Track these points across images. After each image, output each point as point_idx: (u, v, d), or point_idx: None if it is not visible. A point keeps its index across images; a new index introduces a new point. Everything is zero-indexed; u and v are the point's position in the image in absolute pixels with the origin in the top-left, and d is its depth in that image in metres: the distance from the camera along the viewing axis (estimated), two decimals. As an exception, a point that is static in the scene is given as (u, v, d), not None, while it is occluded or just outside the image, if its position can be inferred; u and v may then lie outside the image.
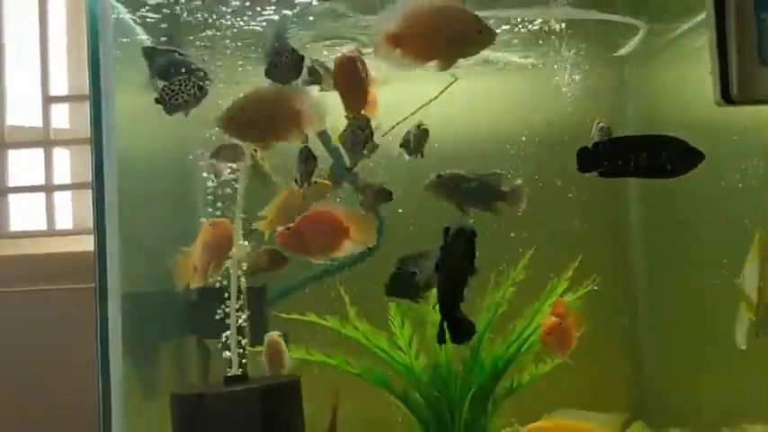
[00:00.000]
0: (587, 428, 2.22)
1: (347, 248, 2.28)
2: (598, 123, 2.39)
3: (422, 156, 2.39)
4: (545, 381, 2.69)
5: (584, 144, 2.43)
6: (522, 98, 3.13)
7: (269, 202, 2.45)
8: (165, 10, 2.53)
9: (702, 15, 2.12)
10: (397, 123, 2.44)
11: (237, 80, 2.59)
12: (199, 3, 2.49)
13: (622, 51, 3.06)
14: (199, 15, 2.52)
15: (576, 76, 2.97)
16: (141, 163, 2.66)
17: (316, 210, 2.27)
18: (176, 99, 2.17)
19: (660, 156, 2.00)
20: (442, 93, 2.47)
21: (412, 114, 2.52)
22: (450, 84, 2.51)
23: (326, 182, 2.44)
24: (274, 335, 2.55)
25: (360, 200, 2.59)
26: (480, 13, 2.58)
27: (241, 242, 2.53)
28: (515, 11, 2.71)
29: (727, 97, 2.05)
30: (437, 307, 1.90)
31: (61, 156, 3.71)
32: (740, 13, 2.03)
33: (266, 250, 2.53)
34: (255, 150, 2.48)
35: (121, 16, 2.49)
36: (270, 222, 2.41)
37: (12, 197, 3.59)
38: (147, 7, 2.51)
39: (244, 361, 2.58)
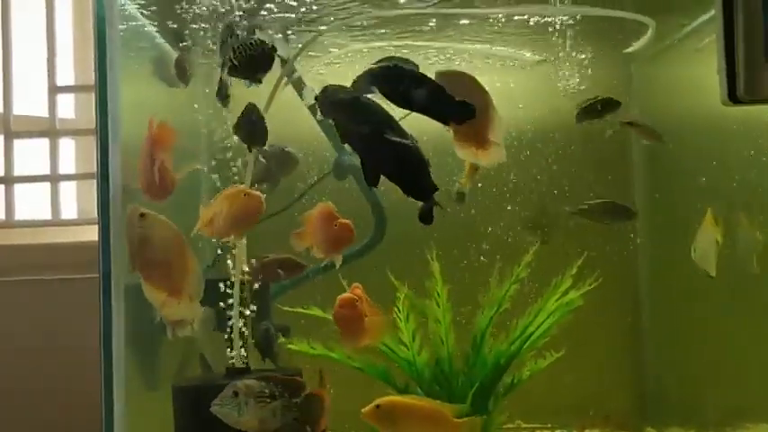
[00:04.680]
0: (436, 405, 2.13)
1: None
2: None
3: None
4: (547, 378, 2.69)
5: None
6: (524, 95, 3.13)
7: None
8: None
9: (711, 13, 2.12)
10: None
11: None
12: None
13: (631, 49, 3.05)
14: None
15: (582, 74, 2.97)
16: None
17: None
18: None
19: None
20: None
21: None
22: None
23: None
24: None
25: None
26: (484, 10, 2.58)
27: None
28: (521, 8, 2.71)
29: (733, 97, 2.05)
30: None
31: (66, 146, 3.72)
32: (748, 11, 2.02)
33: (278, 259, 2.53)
34: None
35: (126, 5, 2.49)
36: None
37: (17, 186, 3.59)
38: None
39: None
